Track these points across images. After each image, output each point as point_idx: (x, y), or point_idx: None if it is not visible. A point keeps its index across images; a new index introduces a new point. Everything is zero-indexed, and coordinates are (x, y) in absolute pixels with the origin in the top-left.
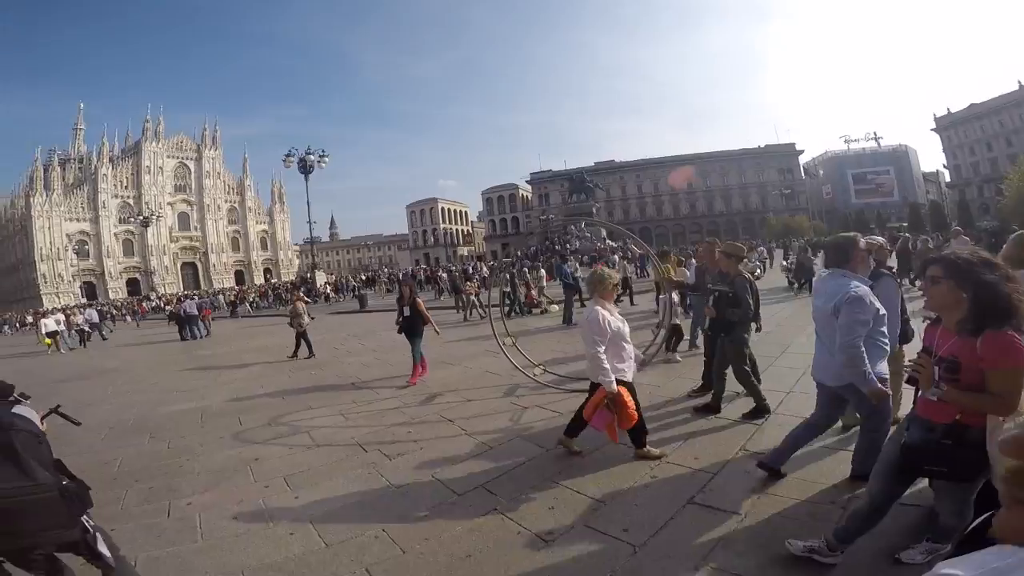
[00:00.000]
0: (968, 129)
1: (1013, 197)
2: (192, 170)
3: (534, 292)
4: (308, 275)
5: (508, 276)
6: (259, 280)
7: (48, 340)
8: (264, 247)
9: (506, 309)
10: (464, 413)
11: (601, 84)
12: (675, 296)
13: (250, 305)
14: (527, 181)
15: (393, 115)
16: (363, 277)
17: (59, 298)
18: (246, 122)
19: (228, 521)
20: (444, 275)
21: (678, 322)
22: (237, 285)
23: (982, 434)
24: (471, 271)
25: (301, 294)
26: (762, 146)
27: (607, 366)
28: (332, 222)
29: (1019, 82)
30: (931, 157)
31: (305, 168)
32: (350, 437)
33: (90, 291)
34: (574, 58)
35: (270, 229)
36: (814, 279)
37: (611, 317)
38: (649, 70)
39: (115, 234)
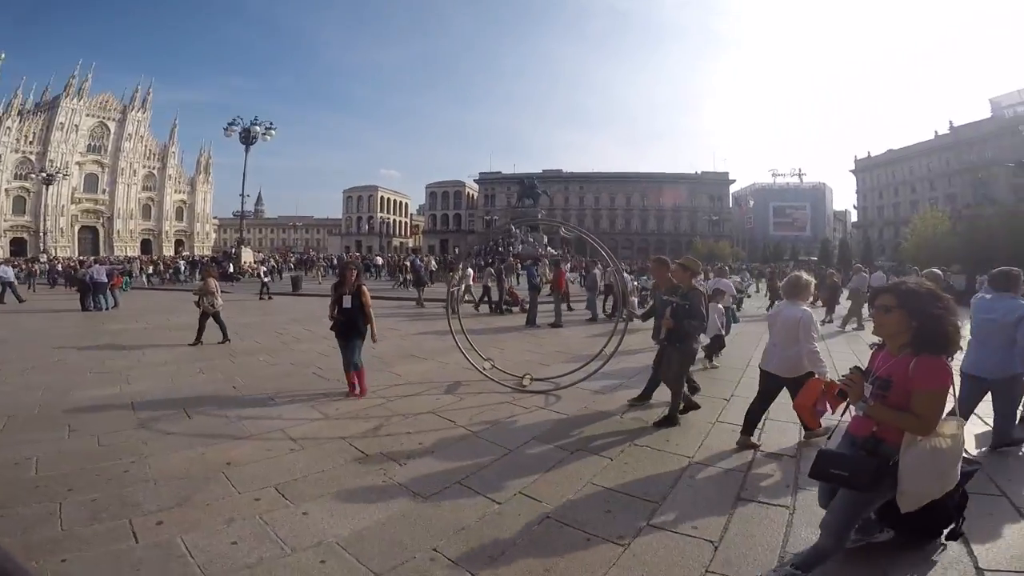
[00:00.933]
0: (881, 173)
1: (914, 242)
2: (112, 131)
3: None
4: (233, 250)
5: (493, 271)
6: (168, 252)
7: None
8: (180, 217)
9: (483, 307)
10: (458, 406)
11: (559, 94)
12: (720, 306)
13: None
14: (475, 180)
15: (343, 97)
16: (295, 258)
17: None
18: (185, 88)
19: (228, 547)
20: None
21: (721, 333)
22: (142, 254)
23: (893, 450)
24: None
25: (214, 270)
26: (699, 172)
27: (823, 358)
28: (259, 198)
29: (935, 132)
30: (842, 196)
31: (247, 139)
32: (337, 435)
33: None
34: (535, 66)
35: (189, 200)
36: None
37: None
38: (605, 86)
39: (6, 189)
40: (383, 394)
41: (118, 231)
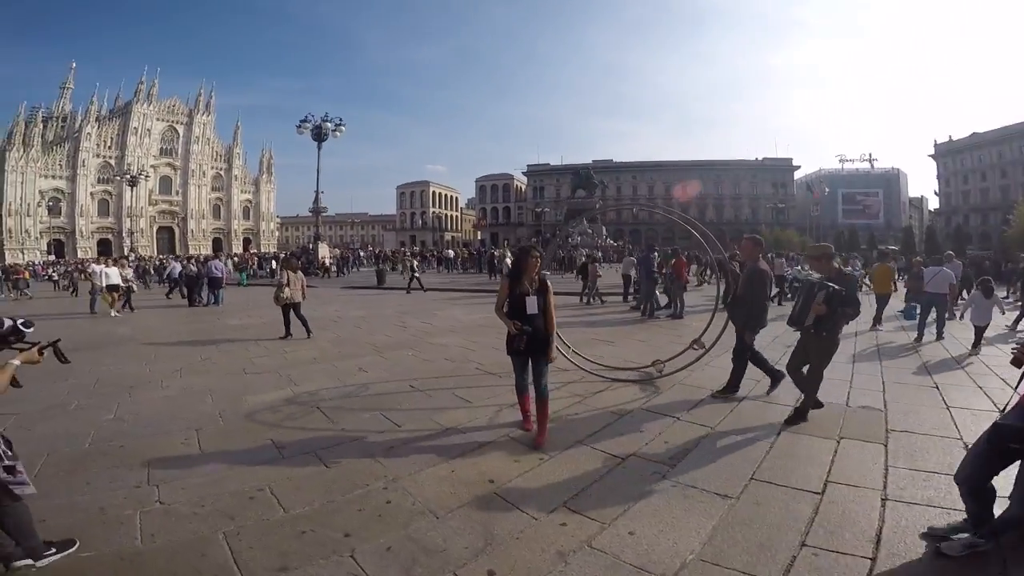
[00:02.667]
0: (966, 158)
1: (1020, 228)
2: (181, 134)
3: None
4: (311, 245)
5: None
6: (237, 249)
7: (107, 297)
8: (246, 216)
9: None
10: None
11: (603, 84)
12: None
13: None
14: (523, 172)
15: (386, 96)
16: (381, 252)
17: (23, 254)
18: (239, 92)
19: None
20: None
21: None
22: (215, 252)
23: None
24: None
25: (294, 262)
26: (760, 159)
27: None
28: (316, 196)
29: None
30: (917, 183)
31: (319, 136)
32: (573, 439)
33: (58, 249)
34: (578, 56)
35: (254, 199)
36: None
37: None
38: (653, 75)
39: (91, 193)
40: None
41: (192, 230)
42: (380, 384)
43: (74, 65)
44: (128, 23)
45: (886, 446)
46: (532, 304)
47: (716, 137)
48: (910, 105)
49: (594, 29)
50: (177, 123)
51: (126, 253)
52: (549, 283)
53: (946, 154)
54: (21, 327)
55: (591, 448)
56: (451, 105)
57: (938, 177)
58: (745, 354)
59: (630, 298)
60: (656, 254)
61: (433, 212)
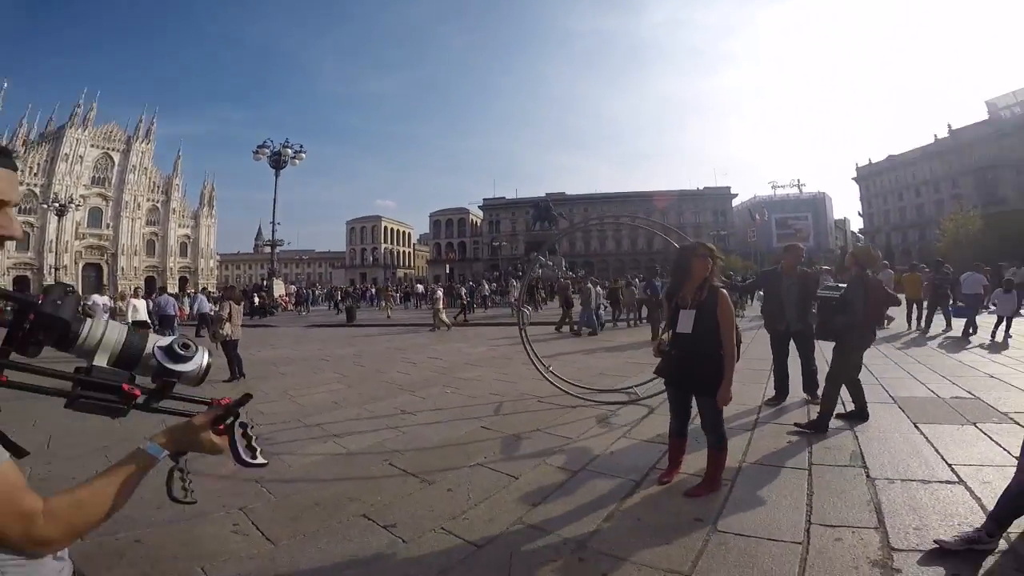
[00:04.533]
0: (884, 179)
1: (947, 243)
2: (116, 162)
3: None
4: (264, 283)
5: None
6: (173, 289)
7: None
8: (183, 253)
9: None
10: None
11: (555, 117)
12: None
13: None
14: (479, 206)
15: (337, 128)
16: (344, 288)
17: None
18: (183, 121)
19: None
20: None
21: None
22: (147, 292)
23: None
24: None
25: (235, 292)
26: (701, 188)
27: None
28: (259, 232)
29: (935, 136)
30: (840, 205)
31: (278, 163)
32: None
33: None
34: (531, 90)
35: (193, 234)
36: None
37: None
38: (600, 108)
39: None
40: None
41: (122, 268)
42: (443, 425)
43: (5, 85)
44: (70, 49)
45: None
46: (685, 320)
47: (659, 168)
48: (833, 131)
49: (545, 63)
50: (113, 150)
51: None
52: (725, 294)
53: (867, 176)
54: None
55: None
56: (403, 138)
57: (861, 199)
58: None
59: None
60: (657, 280)
61: (385, 248)
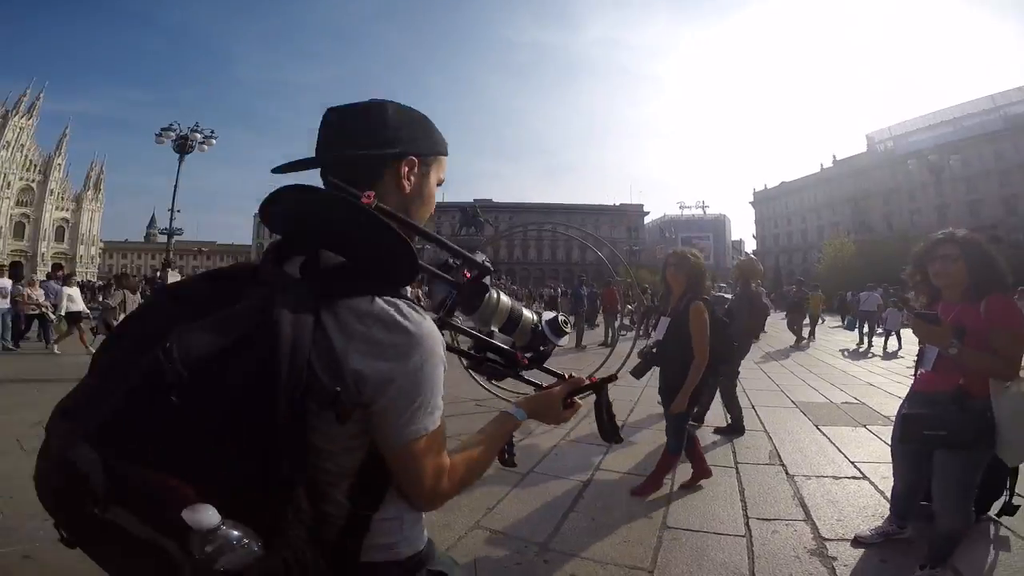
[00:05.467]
0: (777, 204)
1: (826, 266)
2: None
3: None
4: (159, 274)
5: None
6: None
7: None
8: (60, 238)
9: None
10: None
11: (484, 124)
12: None
13: None
14: None
15: (252, 117)
16: None
17: None
18: (75, 98)
19: None
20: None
21: None
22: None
23: (984, 404)
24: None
25: (132, 280)
26: (617, 204)
27: None
28: (152, 220)
29: (821, 165)
30: (738, 226)
31: (183, 148)
32: None
33: None
34: (467, 95)
35: (73, 219)
36: None
37: None
38: (528, 117)
39: None
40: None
41: None
42: None
43: None
44: None
45: None
46: (662, 327)
47: (582, 181)
48: (737, 155)
49: (482, 71)
50: None
51: None
52: (698, 306)
53: (762, 200)
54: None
55: None
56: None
57: (755, 222)
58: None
59: None
60: (584, 288)
61: None
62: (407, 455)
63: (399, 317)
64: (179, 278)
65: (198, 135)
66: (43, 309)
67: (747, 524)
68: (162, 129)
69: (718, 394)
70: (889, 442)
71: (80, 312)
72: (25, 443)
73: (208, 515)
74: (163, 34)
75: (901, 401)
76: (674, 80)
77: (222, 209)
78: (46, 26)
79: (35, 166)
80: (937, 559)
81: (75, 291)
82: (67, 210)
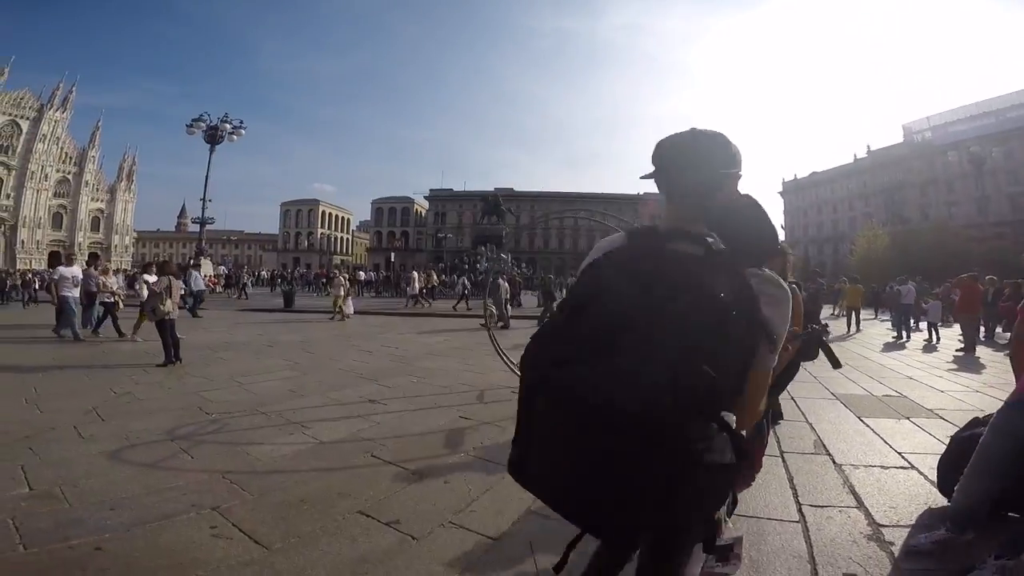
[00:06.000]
0: (807, 194)
1: (859, 257)
2: (24, 131)
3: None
4: (192, 262)
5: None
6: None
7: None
8: (95, 228)
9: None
10: None
11: (505, 113)
12: None
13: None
14: (425, 197)
15: (274, 107)
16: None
17: None
18: (107, 91)
19: None
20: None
21: None
22: (51, 266)
23: None
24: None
25: (172, 266)
26: (641, 193)
27: None
28: (183, 210)
29: (855, 155)
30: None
31: (214, 138)
32: None
33: None
34: (484, 84)
35: (107, 209)
36: None
37: None
38: (550, 106)
39: None
40: None
41: (22, 241)
42: (419, 415)
43: None
44: None
45: None
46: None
47: (605, 170)
48: (766, 145)
49: (503, 60)
50: (22, 118)
51: None
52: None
53: (791, 191)
54: None
55: None
56: (346, 123)
57: (784, 212)
58: None
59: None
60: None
61: (322, 232)
62: (756, 383)
63: (780, 280)
64: (211, 266)
65: (227, 125)
66: (117, 297)
67: (800, 511)
68: (193, 120)
69: None
70: (932, 433)
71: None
72: (82, 430)
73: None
74: (184, 25)
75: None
76: (702, 68)
77: (248, 199)
78: (70, 19)
79: (70, 158)
80: (1012, 550)
81: (152, 279)
82: (102, 201)
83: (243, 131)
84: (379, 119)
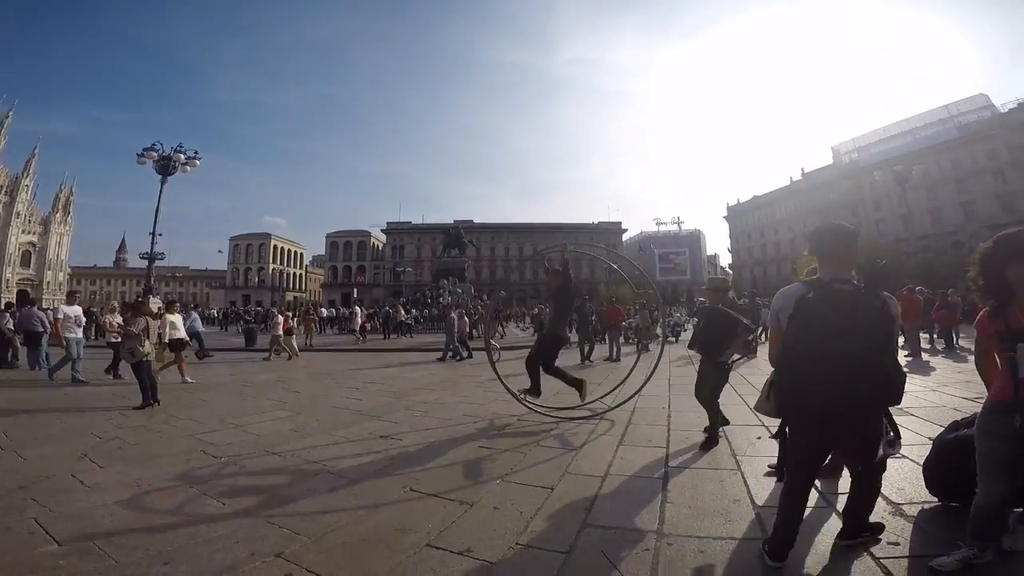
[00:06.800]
0: (750, 217)
1: (801, 276)
2: None
3: None
4: (140, 299)
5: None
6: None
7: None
8: (26, 263)
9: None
10: None
11: (463, 146)
12: None
13: None
14: (383, 230)
15: (225, 138)
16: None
17: None
18: (46, 117)
19: None
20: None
21: None
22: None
23: None
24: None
25: (147, 306)
26: (595, 222)
27: None
28: (122, 245)
29: (791, 178)
30: (712, 241)
31: (165, 168)
32: None
33: None
34: (438, 115)
35: (40, 243)
36: None
37: None
38: (506, 138)
39: None
40: None
41: None
42: (437, 448)
43: None
44: None
45: None
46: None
47: (557, 201)
48: (711, 171)
49: (460, 92)
50: None
51: None
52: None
53: (736, 215)
54: None
55: None
56: (301, 155)
57: (730, 235)
58: None
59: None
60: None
61: (274, 268)
62: (895, 342)
63: (893, 300)
64: (160, 304)
65: (181, 155)
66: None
67: (822, 496)
68: (144, 149)
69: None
70: (908, 427)
71: (183, 339)
72: (83, 478)
73: None
74: (136, 51)
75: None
76: (647, 99)
77: (194, 234)
78: (17, 42)
79: (1, 188)
80: (983, 542)
81: (177, 318)
82: (34, 233)
83: (197, 162)
84: (336, 151)
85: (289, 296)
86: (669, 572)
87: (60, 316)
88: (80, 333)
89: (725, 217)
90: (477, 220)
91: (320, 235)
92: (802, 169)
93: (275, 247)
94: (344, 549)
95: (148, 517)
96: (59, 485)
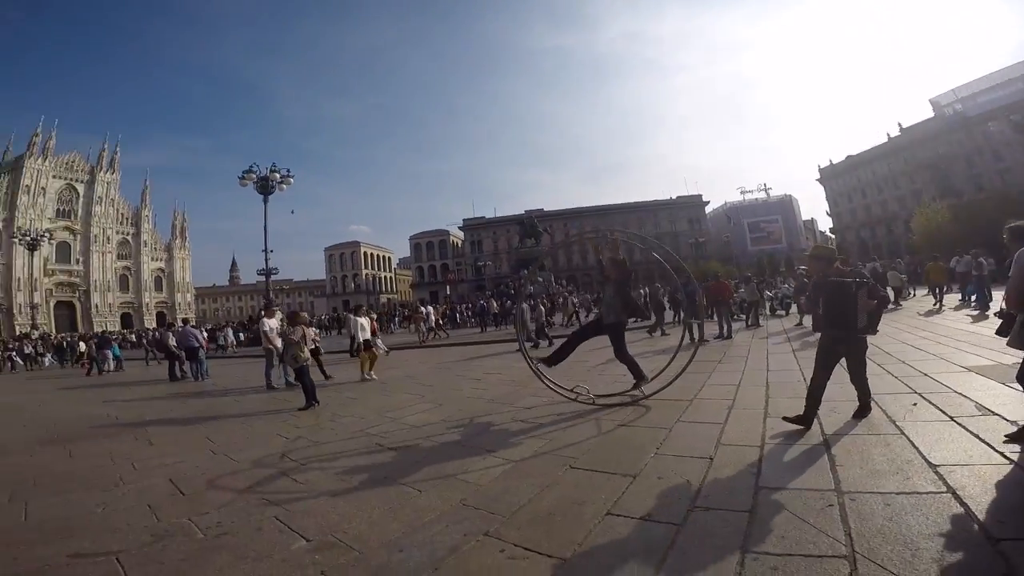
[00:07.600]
0: (847, 178)
1: (921, 235)
2: (81, 194)
3: None
4: (263, 313)
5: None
6: (151, 324)
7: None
8: (158, 287)
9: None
10: None
11: (523, 135)
12: None
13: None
14: (459, 227)
15: (299, 153)
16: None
17: None
18: (143, 151)
19: None
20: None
21: None
22: (124, 328)
23: None
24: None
25: (304, 316)
26: (674, 197)
27: None
28: (233, 264)
29: (887, 135)
30: (807, 206)
31: (266, 188)
32: None
33: None
34: (497, 109)
35: (167, 267)
36: None
37: None
38: (564, 122)
39: None
40: None
41: (96, 305)
42: (578, 429)
43: None
44: (19, 79)
45: None
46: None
47: (630, 179)
48: (794, 135)
49: (511, 83)
50: (77, 181)
51: (27, 331)
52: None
53: (830, 177)
54: None
55: None
56: (369, 163)
57: (827, 198)
58: None
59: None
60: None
61: (367, 273)
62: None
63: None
64: (280, 317)
65: (276, 175)
66: (316, 343)
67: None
68: (244, 172)
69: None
70: None
71: (368, 340)
72: (296, 476)
73: None
74: (202, 80)
75: None
76: (708, 66)
77: (289, 247)
78: (102, 82)
79: (127, 219)
80: None
81: (365, 320)
82: (160, 260)
83: (292, 179)
84: (405, 157)
85: (384, 298)
86: (861, 522)
87: (266, 329)
88: (280, 343)
89: (818, 180)
90: (548, 208)
91: (397, 238)
92: (899, 124)
93: (364, 253)
94: (536, 523)
95: (366, 509)
96: (280, 485)
